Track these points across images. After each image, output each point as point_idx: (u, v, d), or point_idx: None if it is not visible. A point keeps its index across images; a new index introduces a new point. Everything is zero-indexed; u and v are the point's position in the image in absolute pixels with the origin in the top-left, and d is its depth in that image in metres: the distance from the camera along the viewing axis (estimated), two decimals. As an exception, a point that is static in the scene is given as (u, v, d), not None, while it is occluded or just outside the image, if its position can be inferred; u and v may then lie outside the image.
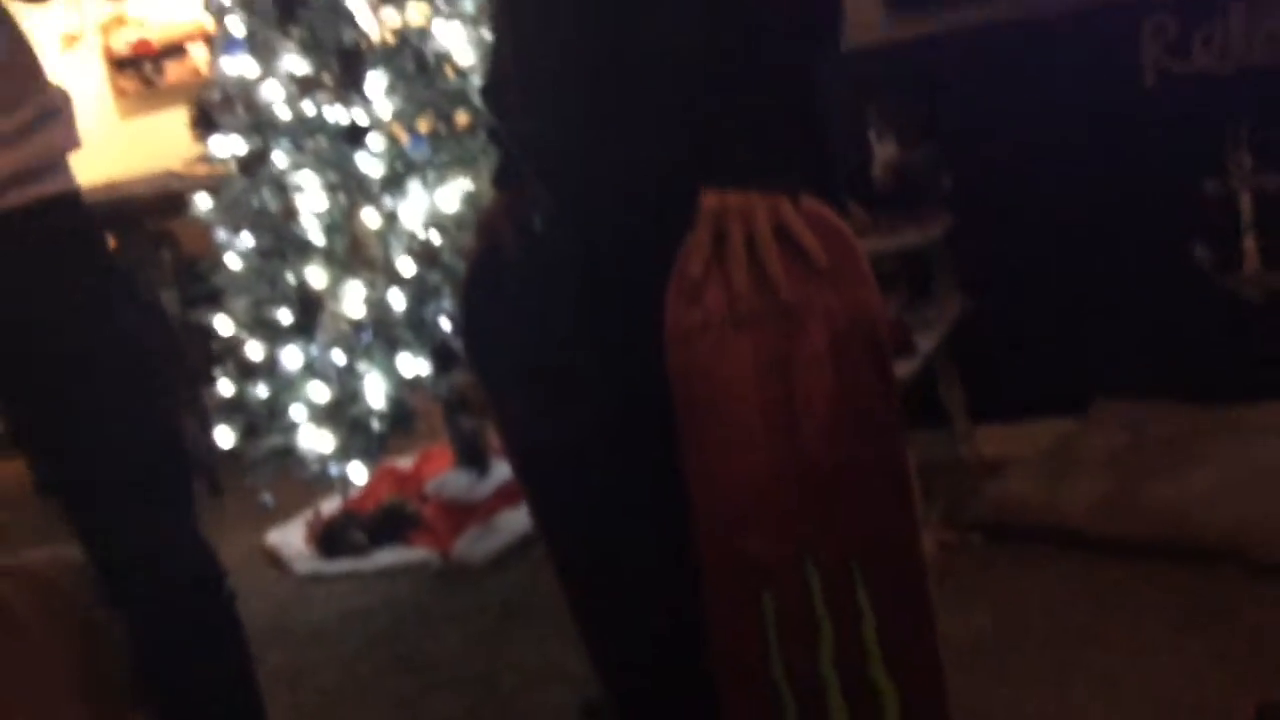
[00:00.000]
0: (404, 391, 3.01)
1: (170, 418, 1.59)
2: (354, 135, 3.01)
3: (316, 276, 3.00)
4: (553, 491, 1.53)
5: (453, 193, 3.02)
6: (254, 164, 3.11)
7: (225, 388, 3.12)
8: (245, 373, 3.10)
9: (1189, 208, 2.61)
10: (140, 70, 4.90)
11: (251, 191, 3.11)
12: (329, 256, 3.02)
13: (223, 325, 3.14)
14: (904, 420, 1.27)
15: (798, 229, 1.23)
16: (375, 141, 2.99)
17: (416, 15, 3.04)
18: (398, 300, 2.96)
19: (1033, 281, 2.82)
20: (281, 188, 3.08)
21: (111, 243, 4.37)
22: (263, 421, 3.08)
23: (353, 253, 3.03)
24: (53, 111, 1.50)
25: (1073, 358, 2.79)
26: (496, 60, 1.55)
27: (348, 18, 2.97)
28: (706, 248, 1.24)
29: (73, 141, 1.53)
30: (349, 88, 3.01)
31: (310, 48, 3.00)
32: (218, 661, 1.61)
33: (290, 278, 3.06)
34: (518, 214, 1.51)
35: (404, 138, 3.06)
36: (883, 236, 2.67)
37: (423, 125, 3.08)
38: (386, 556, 3.06)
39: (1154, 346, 2.70)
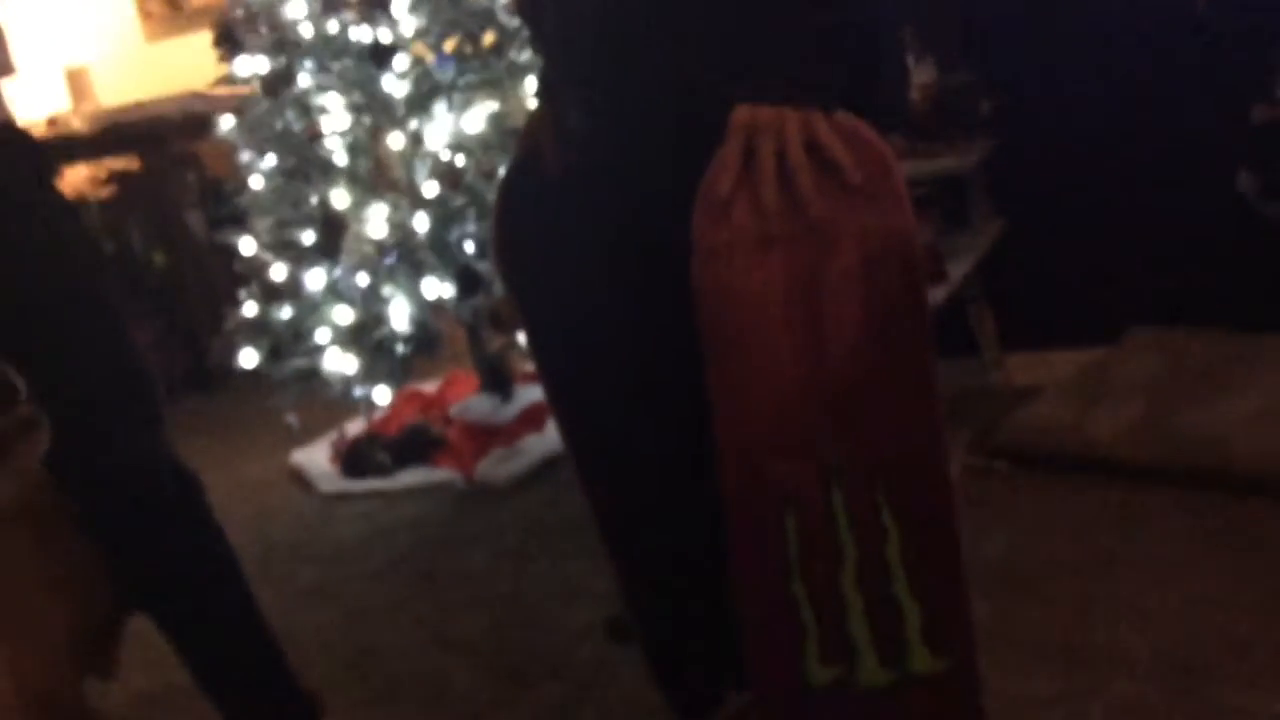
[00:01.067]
0: (427, 315, 3.00)
1: (122, 339, 1.56)
2: (379, 55, 2.97)
3: (340, 198, 2.98)
4: (582, 407, 1.52)
5: (478, 114, 2.99)
6: (278, 84, 3.08)
7: (250, 309, 3.12)
8: (270, 294, 3.10)
9: (1234, 135, 2.54)
10: (166, -8, 4.86)
11: (275, 112, 3.09)
12: (353, 178, 3.00)
13: (247, 247, 3.13)
14: (934, 343, 1.24)
15: (830, 144, 1.20)
16: (400, 62, 2.96)
17: (442, -69, 2.98)
18: (421, 223, 2.94)
19: (1070, 208, 2.76)
20: (305, 109, 3.06)
21: (138, 164, 4.38)
22: (287, 343, 3.08)
23: (376, 174, 3.00)
24: None
25: (1109, 286, 2.74)
26: None
27: (372, -66, 2.92)
28: (736, 164, 1.22)
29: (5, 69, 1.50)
30: (374, 6, 2.97)
31: (334, -35, 2.95)
32: (195, 561, 1.61)
33: (314, 199, 3.04)
34: (559, 128, 1.49)
35: (429, 57, 3.02)
36: (918, 161, 2.62)
37: (449, 45, 3.04)
38: (410, 477, 3.08)
39: (1192, 275, 2.65)
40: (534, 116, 1.56)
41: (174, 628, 1.62)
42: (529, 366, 3.25)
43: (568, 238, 1.46)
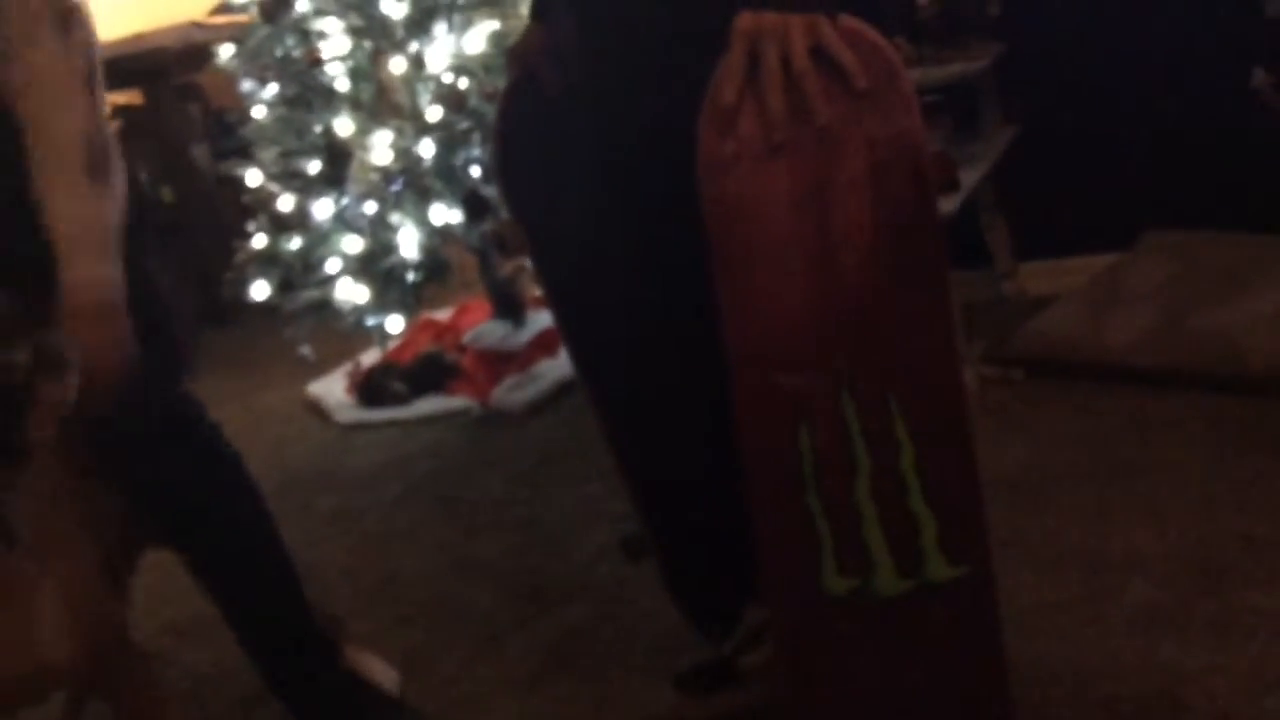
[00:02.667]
0: (437, 242, 2.98)
1: (148, 285, 1.53)
2: (376, -24, 2.92)
3: (344, 125, 2.95)
4: (590, 326, 1.52)
5: (479, 34, 2.94)
6: (276, 10, 3.03)
7: (259, 241, 3.10)
8: (278, 226, 3.08)
9: (1248, 31, 2.48)
10: (160, -80, 4.77)
11: (275, 39, 3.04)
12: (355, 104, 2.96)
13: (253, 178, 3.11)
14: (946, 252, 1.23)
15: (836, 48, 1.18)
16: (398, -18, 2.90)
17: None
18: (426, 149, 2.91)
19: (1082, 112, 2.71)
20: (305, 34, 3.01)
21: (139, 98, 4.34)
22: (298, 275, 3.07)
23: (379, 100, 2.96)
24: None
25: (1122, 190, 2.70)
26: None
27: None
28: (740, 72, 1.20)
29: None
30: (369, -73, 2.91)
31: (328, -115, 2.89)
32: (214, 491, 1.61)
33: (318, 128, 3.01)
34: (554, 46, 1.46)
35: (427, -22, 2.97)
36: (927, 67, 2.57)
37: (446, -36, 2.98)
38: (426, 405, 3.09)
39: (1207, 176, 2.61)
40: (526, 35, 1.53)
41: (199, 564, 1.63)
42: (540, 292, 3.24)
43: (568, 157, 1.44)
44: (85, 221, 1.31)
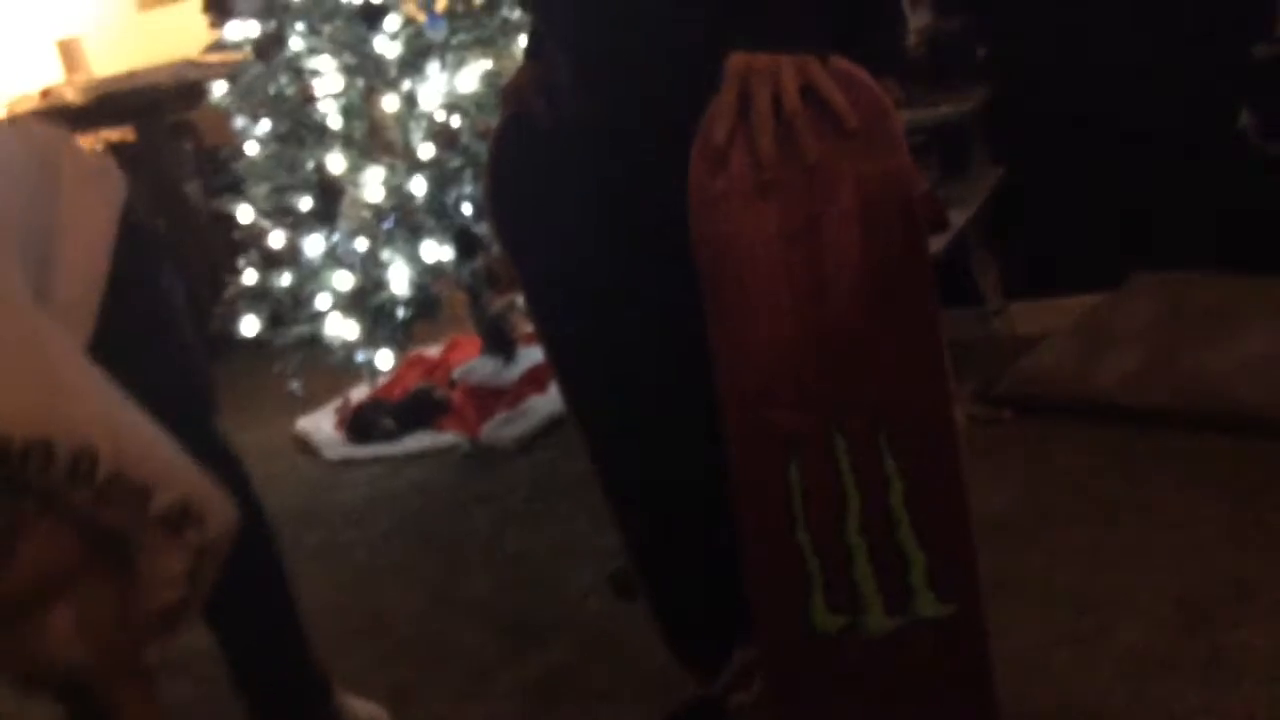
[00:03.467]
0: (427, 278, 2.99)
1: (184, 331, 1.62)
2: (370, 15, 2.94)
3: (336, 162, 2.96)
4: (580, 363, 1.52)
5: (472, 73, 2.96)
6: (270, 48, 3.05)
7: (250, 277, 3.11)
8: (269, 261, 3.09)
9: (1236, 74, 2.51)
10: (155, -41, 4.81)
11: (268, 77, 3.06)
12: (348, 141, 2.98)
13: (245, 214, 3.12)
14: (936, 289, 1.24)
15: (827, 89, 1.19)
16: (392, 22, 2.93)
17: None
18: (419, 186, 2.93)
19: (1070, 153, 2.74)
20: (298, 72, 3.03)
21: (132, 135, 4.35)
22: (288, 310, 3.07)
23: (372, 137, 2.98)
24: None
25: (1111, 231, 2.72)
26: None
27: (360, -108, 2.88)
28: (732, 111, 1.21)
29: None
30: (363, -33, 2.93)
31: (322, -75, 2.92)
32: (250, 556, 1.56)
33: (310, 164, 3.02)
34: (548, 83, 1.47)
35: (421, 17, 2.99)
36: (916, 109, 2.59)
37: (440, 4, 3.01)
38: (415, 441, 3.08)
39: (1195, 218, 2.63)
40: (520, 72, 1.54)
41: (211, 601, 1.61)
42: (530, 328, 3.24)
43: (560, 192, 1.45)
44: None
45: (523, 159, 1.50)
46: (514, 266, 1.57)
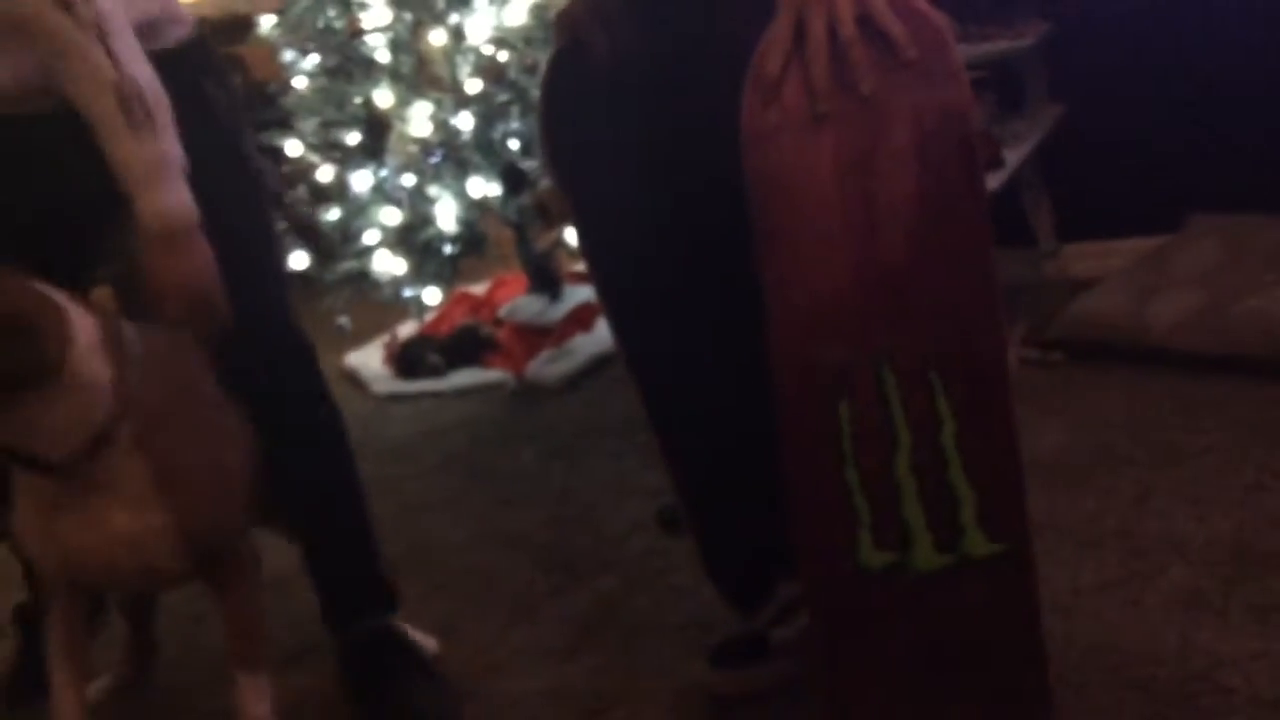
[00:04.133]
0: (474, 215, 2.98)
1: (266, 200, 1.77)
2: (418, -52, 2.92)
3: (384, 97, 2.95)
4: (634, 295, 1.51)
5: (519, 7, 2.93)
6: (318, -20, 3.04)
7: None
8: (317, 196, 3.10)
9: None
10: (202, -109, 4.79)
11: (316, 10, 3.05)
12: (395, 76, 2.96)
13: (293, 149, 3.13)
14: (991, 226, 1.22)
15: (885, 18, 1.17)
16: (440, -46, 2.90)
17: None
18: (466, 121, 2.91)
19: (1130, 92, 2.67)
20: (346, 5, 3.02)
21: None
22: (336, 245, 3.09)
23: (419, 72, 2.97)
24: None
25: (1170, 172, 2.66)
26: None
27: None
28: (786, 41, 1.19)
29: None
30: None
31: None
32: (312, 419, 1.76)
33: (358, 99, 3.02)
34: (603, 12, 1.45)
35: (469, -50, 2.96)
36: (972, 44, 2.54)
37: (488, -64, 2.97)
38: (462, 378, 3.10)
39: (1255, 159, 2.56)
40: (573, 5, 1.52)
41: (289, 488, 1.70)
42: (577, 266, 3.24)
43: (615, 125, 1.43)
44: (132, 161, 1.42)
45: (579, 91, 1.48)
46: (567, 199, 1.56)
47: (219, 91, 1.69)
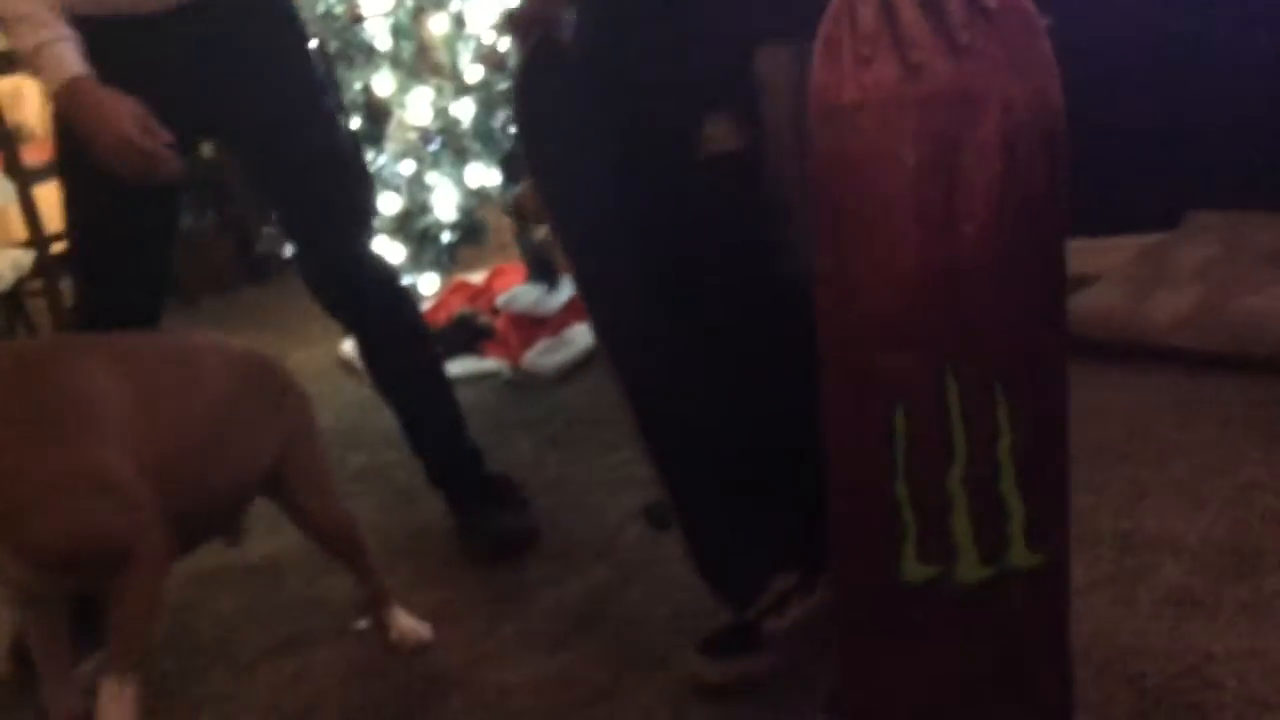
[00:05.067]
0: (473, 203, 2.98)
1: (360, 163, 2.16)
2: (420, -66, 2.91)
3: (384, 83, 2.95)
4: (611, 289, 1.49)
5: (521, -6, 2.92)
6: (318, -34, 3.03)
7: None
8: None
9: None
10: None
11: (317, -5, 3.04)
12: (396, 62, 2.96)
13: (292, 134, 3.12)
14: (1068, 228, 1.14)
15: None
16: (442, -59, 2.90)
17: None
18: (465, 109, 2.91)
19: (1127, 89, 2.67)
20: (346, -9, 3.01)
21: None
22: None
23: (420, 58, 2.96)
24: None
25: (1168, 169, 2.66)
26: None
27: None
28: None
29: None
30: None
31: None
32: (413, 336, 2.11)
33: (357, 85, 3.01)
34: (564, 10, 1.44)
35: (471, -63, 2.95)
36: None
37: (490, -77, 2.97)
38: (459, 366, 3.08)
39: (1253, 157, 2.56)
40: (523, 6, 1.50)
41: (395, 387, 2.13)
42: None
43: (592, 129, 1.42)
44: (19, 53, 1.66)
45: (552, 94, 1.46)
46: (543, 198, 1.54)
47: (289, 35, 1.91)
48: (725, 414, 1.49)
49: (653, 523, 2.04)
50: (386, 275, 2.09)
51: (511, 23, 1.57)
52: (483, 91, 2.91)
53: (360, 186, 2.10)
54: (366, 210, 2.12)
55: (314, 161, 1.92)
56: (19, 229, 3.92)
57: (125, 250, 1.83)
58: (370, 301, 2.03)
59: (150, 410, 1.48)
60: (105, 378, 1.46)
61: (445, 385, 2.17)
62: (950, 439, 1.17)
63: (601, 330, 1.54)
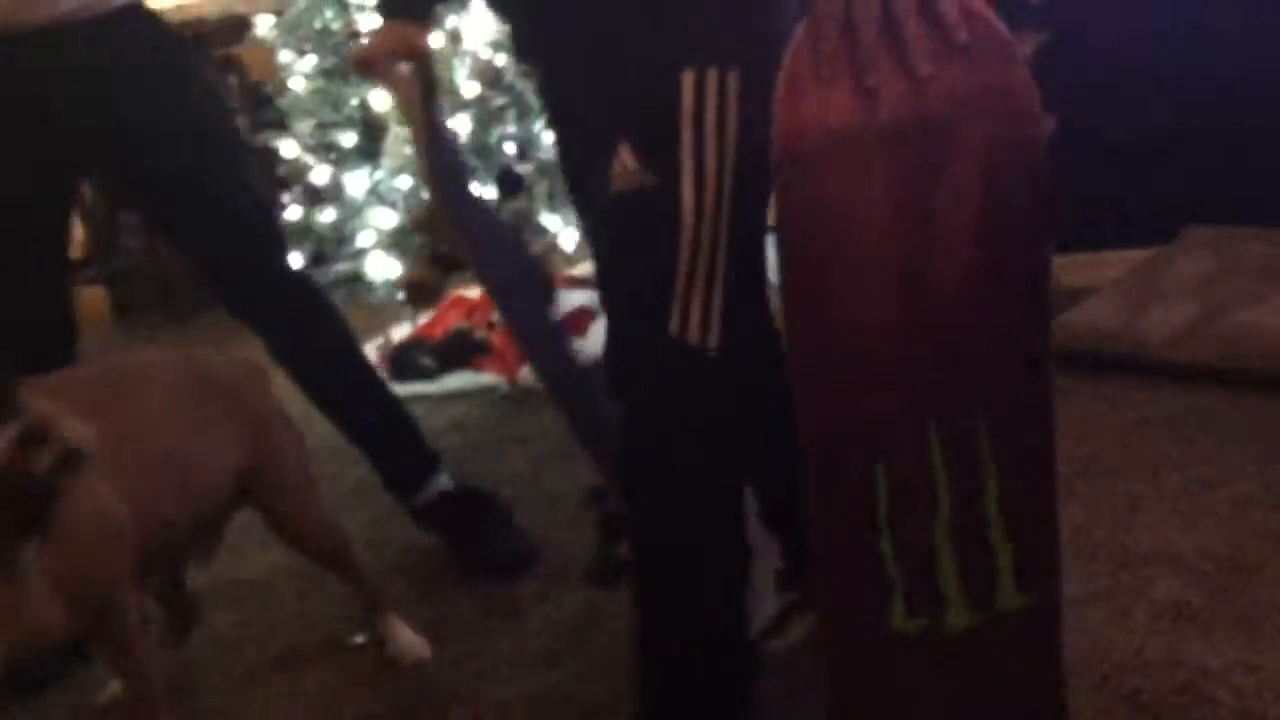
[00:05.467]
0: (470, 218, 2.98)
1: (251, 179, 2.03)
2: (416, -50, 2.92)
3: (380, 99, 2.95)
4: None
5: (517, 11, 2.93)
6: (315, -19, 3.04)
7: (293, 213, 3.12)
8: (312, 198, 3.10)
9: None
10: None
11: (314, 11, 3.06)
12: (392, 78, 2.96)
13: (289, 150, 3.13)
14: (1051, 262, 1.13)
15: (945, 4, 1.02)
16: (437, -44, 2.90)
17: None
18: (462, 125, 2.91)
19: (1124, 104, 2.68)
20: (344, 7, 3.02)
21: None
22: (331, 247, 3.09)
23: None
24: None
25: (1163, 184, 2.66)
26: None
27: None
28: (839, 17, 1.02)
29: None
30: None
31: None
32: (325, 335, 2.05)
33: (354, 101, 3.02)
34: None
35: (468, -47, 2.96)
36: (966, 54, 2.54)
37: (486, -61, 2.98)
38: (455, 381, 3.09)
39: (1250, 171, 2.57)
40: (381, 37, 1.46)
41: (325, 401, 2.11)
42: (570, 271, 3.23)
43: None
44: None
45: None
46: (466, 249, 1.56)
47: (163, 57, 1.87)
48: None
49: (594, 581, 1.97)
50: (300, 290, 2.05)
51: (358, 66, 1.49)
52: (479, 108, 2.91)
53: (255, 203, 2.01)
54: (265, 229, 2.04)
55: (201, 196, 1.88)
56: None
57: (13, 294, 1.81)
58: (286, 319, 2.01)
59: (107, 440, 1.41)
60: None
61: (385, 389, 2.16)
62: (934, 490, 1.14)
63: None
